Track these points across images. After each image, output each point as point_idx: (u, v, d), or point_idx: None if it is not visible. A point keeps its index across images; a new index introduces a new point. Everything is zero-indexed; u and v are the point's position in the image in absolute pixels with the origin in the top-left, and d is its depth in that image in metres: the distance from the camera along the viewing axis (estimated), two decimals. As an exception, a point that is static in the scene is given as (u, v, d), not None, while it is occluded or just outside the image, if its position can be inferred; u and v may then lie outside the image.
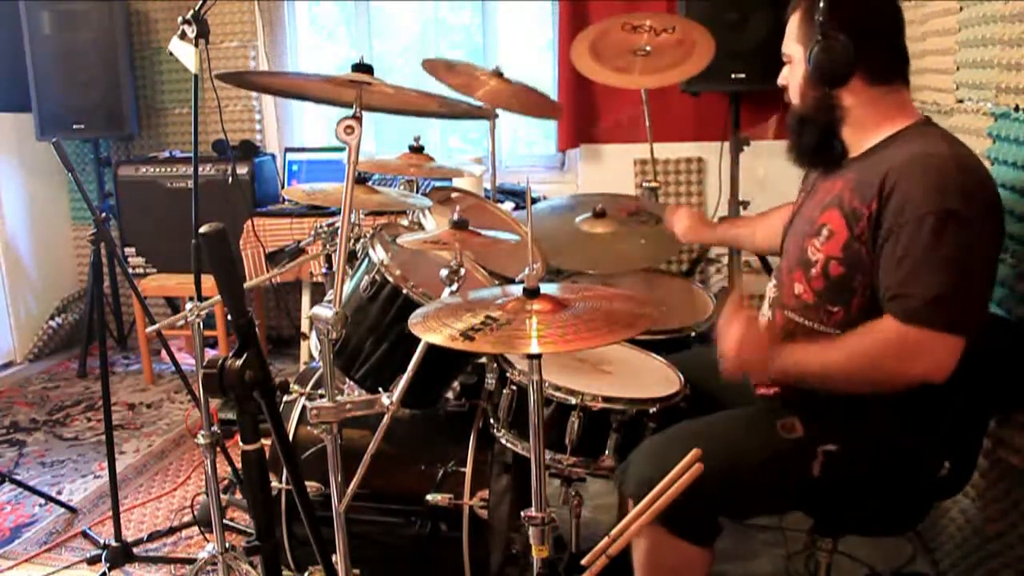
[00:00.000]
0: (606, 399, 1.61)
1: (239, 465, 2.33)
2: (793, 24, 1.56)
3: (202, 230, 1.11)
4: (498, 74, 2.41)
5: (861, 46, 1.46)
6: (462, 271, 1.51)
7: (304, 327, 3.62)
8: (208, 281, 1.49)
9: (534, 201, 2.69)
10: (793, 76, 1.59)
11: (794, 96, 1.60)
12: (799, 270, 1.55)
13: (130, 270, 3.83)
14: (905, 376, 1.38)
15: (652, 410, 1.62)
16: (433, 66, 2.37)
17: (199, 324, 1.75)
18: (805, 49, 1.51)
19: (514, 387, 1.70)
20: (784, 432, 1.45)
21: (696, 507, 1.38)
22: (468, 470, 1.77)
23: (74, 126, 3.85)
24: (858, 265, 1.44)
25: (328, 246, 1.97)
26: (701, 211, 2.70)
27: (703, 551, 1.46)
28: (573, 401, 1.60)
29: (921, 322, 1.34)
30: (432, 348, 1.42)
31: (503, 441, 1.72)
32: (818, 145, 1.59)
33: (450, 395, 1.86)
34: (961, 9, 2.11)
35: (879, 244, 1.40)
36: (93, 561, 2.27)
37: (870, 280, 1.44)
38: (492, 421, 1.76)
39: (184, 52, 2.19)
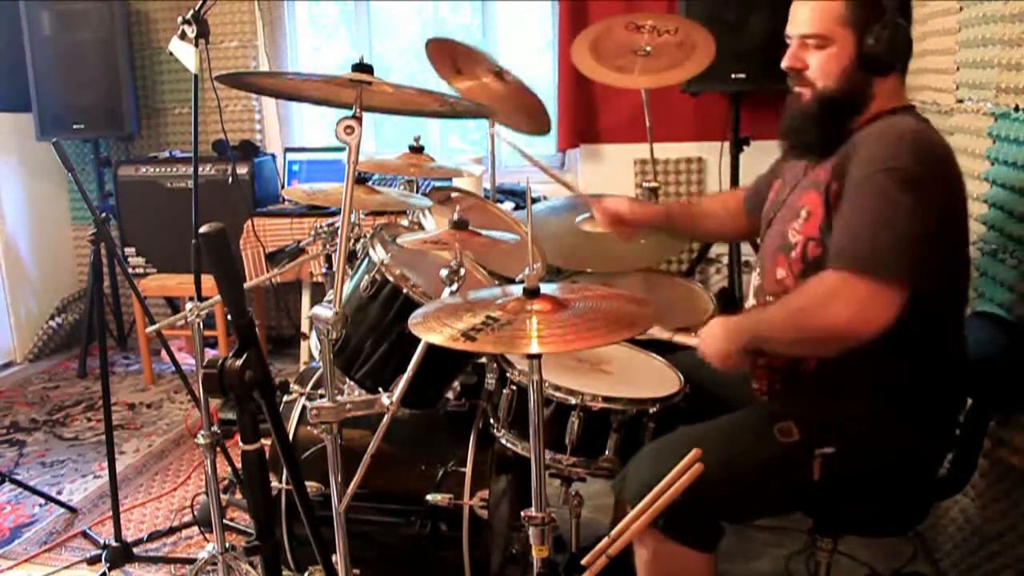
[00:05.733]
0: (606, 399, 1.60)
1: (239, 465, 2.33)
2: (836, 6, 1.46)
3: (202, 230, 1.10)
4: (499, 74, 2.41)
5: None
6: (462, 271, 1.51)
7: (304, 327, 3.62)
8: (208, 281, 1.49)
9: (534, 201, 2.69)
10: (827, 59, 1.48)
11: (826, 79, 1.49)
12: (781, 254, 1.55)
13: (130, 270, 3.82)
14: (829, 323, 1.36)
15: (652, 410, 1.61)
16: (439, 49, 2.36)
17: (199, 324, 1.75)
18: (855, 31, 1.44)
19: (514, 387, 1.69)
20: (781, 436, 1.45)
21: (697, 512, 1.38)
22: (468, 470, 1.77)
23: (74, 126, 3.85)
24: None
25: (328, 246, 1.97)
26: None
27: (705, 557, 1.45)
28: (573, 401, 1.60)
29: (839, 265, 1.37)
30: (432, 348, 1.42)
31: (503, 441, 1.72)
32: (835, 132, 1.51)
33: (450, 395, 1.86)
34: (961, 9, 2.11)
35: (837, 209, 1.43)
36: (93, 561, 2.27)
37: None
38: (492, 421, 1.76)
39: (184, 52, 2.20)
